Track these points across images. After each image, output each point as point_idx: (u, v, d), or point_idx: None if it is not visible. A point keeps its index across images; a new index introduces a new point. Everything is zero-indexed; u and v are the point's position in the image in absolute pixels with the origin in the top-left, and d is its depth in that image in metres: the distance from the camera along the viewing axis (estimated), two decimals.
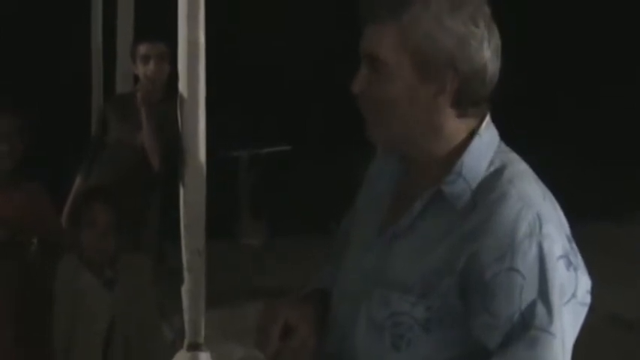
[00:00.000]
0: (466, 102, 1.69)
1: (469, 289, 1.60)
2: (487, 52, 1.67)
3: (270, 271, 7.29)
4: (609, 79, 10.82)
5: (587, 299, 1.67)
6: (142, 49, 4.41)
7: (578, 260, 1.65)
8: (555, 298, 1.57)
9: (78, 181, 4.53)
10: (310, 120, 9.52)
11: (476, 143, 1.69)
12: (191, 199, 4.13)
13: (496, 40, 1.70)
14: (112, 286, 3.40)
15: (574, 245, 1.65)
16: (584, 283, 1.65)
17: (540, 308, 1.56)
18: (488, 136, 1.72)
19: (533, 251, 1.57)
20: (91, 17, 6.84)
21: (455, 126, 1.70)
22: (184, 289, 4.29)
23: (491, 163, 1.69)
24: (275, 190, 8.43)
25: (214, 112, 4.30)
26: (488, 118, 1.74)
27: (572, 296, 1.62)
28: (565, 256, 1.60)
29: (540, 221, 1.59)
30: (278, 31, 9.42)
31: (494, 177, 1.66)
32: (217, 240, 4.65)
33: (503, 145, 1.75)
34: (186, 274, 4.25)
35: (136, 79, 4.64)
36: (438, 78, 1.65)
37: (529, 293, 1.57)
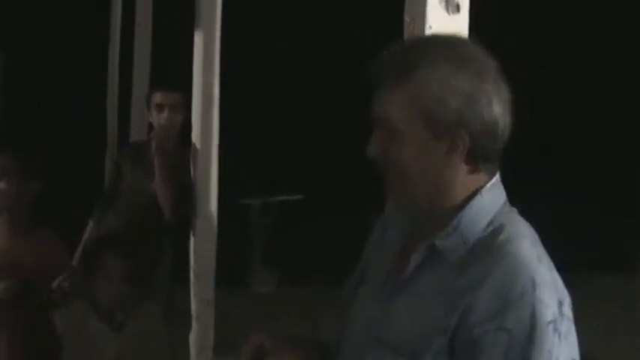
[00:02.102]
0: (478, 160, 1.69)
1: (458, 348, 1.60)
2: (497, 107, 1.67)
3: (279, 319, 7.27)
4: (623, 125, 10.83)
5: None
6: (157, 97, 4.46)
7: (565, 326, 1.62)
8: None
9: (90, 226, 4.56)
10: (322, 169, 9.57)
11: (477, 201, 1.70)
12: (202, 248, 4.17)
13: (505, 94, 1.70)
14: (120, 330, 3.40)
15: (564, 310, 1.63)
16: (568, 351, 1.62)
17: None
18: (491, 196, 1.72)
19: (525, 313, 1.57)
20: (108, 65, 6.97)
21: (465, 181, 1.70)
22: (192, 338, 4.30)
23: (491, 222, 1.69)
24: (286, 238, 8.44)
25: (227, 160, 4.35)
26: (495, 179, 1.74)
27: None
28: (553, 322, 1.59)
29: (534, 284, 1.59)
30: (293, 77, 9.50)
31: (492, 236, 1.66)
32: (228, 288, 4.65)
33: (507, 206, 1.75)
34: (194, 323, 4.27)
35: (150, 127, 4.68)
36: (450, 137, 1.66)
37: (515, 354, 1.56)
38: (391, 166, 1.71)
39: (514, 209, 1.76)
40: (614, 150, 10.59)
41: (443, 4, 2.47)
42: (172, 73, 4.76)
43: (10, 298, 3.40)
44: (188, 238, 4.28)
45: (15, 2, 8.51)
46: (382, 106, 1.70)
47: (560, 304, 1.62)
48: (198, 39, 4.23)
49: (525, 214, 1.75)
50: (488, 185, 1.72)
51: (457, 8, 2.49)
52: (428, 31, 2.41)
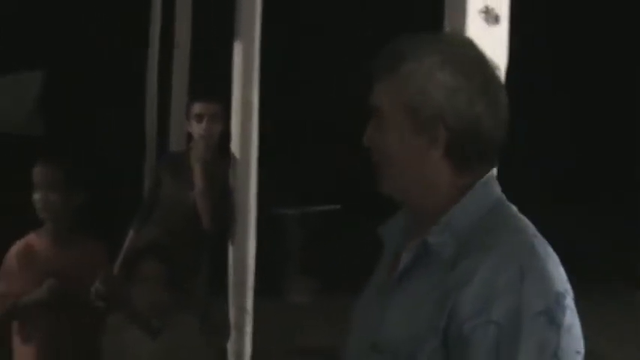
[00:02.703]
0: (459, 156, 1.70)
1: (450, 346, 1.61)
2: (479, 107, 1.68)
3: (315, 330, 7.27)
4: None
5: None
6: (197, 108, 4.49)
7: (566, 319, 1.61)
8: (528, 352, 1.56)
9: (130, 236, 4.60)
10: (360, 179, 9.54)
11: (468, 198, 1.71)
12: (240, 258, 4.18)
13: (496, 97, 1.71)
14: (156, 337, 3.43)
15: (566, 303, 1.62)
16: (571, 343, 1.62)
17: None
18: (483, 192, 1.72)
19: (512, 304, 1.57)
20: (147, 76, 7.04)
21: (450, 181, 1.71)
22: (230, 347, 4.32)
23: (482, 218, 1.69)
24: (324, 248, 8.44)
25: (265, 169, 4.37)
26: (488, 176, 1.75)
27: (553, 355, 1.58)
28: (546, 313, 1.58)
29: (522, 275, 1.59)
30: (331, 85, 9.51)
31: (482, 232, 1.67)
32: (264, 297, 4.66)
33: (502, 203, 1.75)
34: (232, 332, 4.28)
35: (189, 137, 4.72)
36: (429, 130, 1.69)
37: (505, 346, 1.56)
38: (379, 155, 1.75)
39: (512, 206, 1.76)
40: None
41: (482, 15, 2.47)
42: (211, 83, 4.78)
43: (53, 299, 3.45)
44: (227, 248, 4.31)
45: (56, 19, 8.64)
46: (374, 95, 1.75)
47: (559, 295, 1.62)
48: (237, 49, 4.25)
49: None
50: (479, 182, 1.73)
51: (497, 19, 2.49)
52: None
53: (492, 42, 2.42)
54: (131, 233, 4.62)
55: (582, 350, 1.65)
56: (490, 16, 2.49)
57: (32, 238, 3.66)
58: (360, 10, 9.90)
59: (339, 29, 9.69)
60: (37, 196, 3.55)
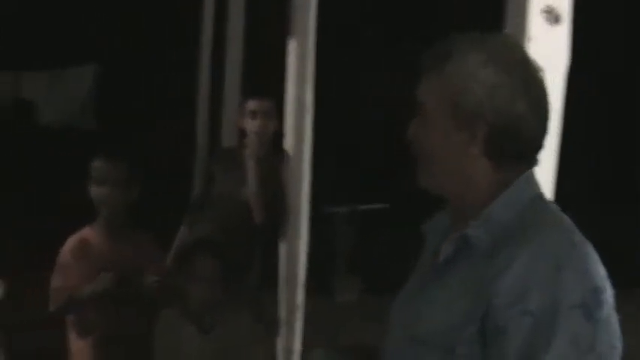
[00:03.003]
0: (499, 154, 1.73)
1: (487, 335, 1.62)
2: (520, 106, 1.70)
3: (361, 328, 7.26)
4: None
5: (613, 356, 1.64)
6: (251, 104, 4.51)
7: (603, 313, 1.61)
8: (562, 344, 1.57)
9: (182, 231, 4.64)
10: (408, 178, 9.50)
11: (507, 193, 1.73)
12: (292, 254, 4.20)
13: (537, 99, 1.73)
14: (208, 332, 3.46)
15: (603, 298, 1.62)
16: (607, 338, 1.62)
17: (544, 355, 1.56)
18: (523, 188, 1.75)
19: (548, 296, 1.58)
20: (199, 72, 7.08)
21: (489, 177, 1.74)
22: (280, 343, 4.33)
23: (521, 213, 1.72)
24: (371, 247, 8.43)
25: (314, 167, 4.38)
26: (528, 173, 1.77)
27: (589, 349, 1.59)
28: (583, 306, 1.59)
29: (559, 268, 1.60)
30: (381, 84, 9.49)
31: (520, 226, 1.69)
32: (311, 295, 4.67)
33: (542, 200, 1.78)
34: (282, 328, 4.30)
35: (241, 133, 4.74)
36: (469, 127, 1.72)
37: (540, 337, 1.57)
38: (420, 150, 1.79)
39: (552, 203, 1.80)
40: None
41: (544, 15, 2.46)
42: (265, 80, 4.80)
43: (109, 292, 3.49)
44: (278, 244, 4.32)
45: (111, 15, 8.73)
46: (420, 90, 1.79)
47: (596, 290, 1.62)
48: (292, 47, 4.26)
49: None
50: (519, 178, 1.75)
51: (558, 19, 2.47)
52: (527, 43, 2.40)
53: (553, 42, 2.42)
54: (183, 229, 4.66)
55: (619, 345, 1.66)
56: (552, 16, 2.48)
57: (86, 232, 3.71)
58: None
59: (400, 22, 9.67)
60: (95, 190, 3.60)
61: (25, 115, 9.58)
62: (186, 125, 7.16)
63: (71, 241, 3.69)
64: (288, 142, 4.23)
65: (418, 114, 1.80)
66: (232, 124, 5.54)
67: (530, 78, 1.74)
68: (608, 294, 1.64)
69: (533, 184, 1.78)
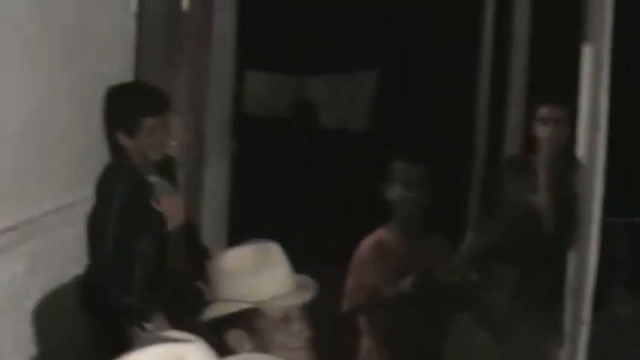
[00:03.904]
0: None
1: None
2: None
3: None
4: None
5: None
6: (543, 111, 4.43)
7: None
8: None
9: (469, 236, 4.64)
10: None
11: None
12: (581, 265, 4.08)
13: None
14: (504, 342, 3.43)
15: None
16: None
17: None
18: None
19: None
20: (478, 76, 7.02)
21: None
22: (562, 356, 4.22)
23: None
24: None
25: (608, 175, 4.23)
26: None
27: None
28: None
29: None
30: None
31: None
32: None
33: None
34: (566, 342, 4.18)
35: (530, 140, 4.67)
36: None
37: None
38: None
39: None
40: None
41: None
42: (558, 85, 4.70)
43: (416, 294, 3.54)
44: (566, 255, 4.22)
45: (388, 18, 8.87)
46: None
47: None
48: (586, 52, 4.15)
49: None
50: None
51: None
52: None
53: None
54: (470, 234, 4.66)
55: None
56: None
57: (382, 232, 3.79)
58: None
59: None
60: (394, 192, 3.68)
61: (307, 117, 9.96)
62: (464, 130, 7.14)
63: (368, 242, 3.78)
64: (581, 151, 4.12)
65: None
66: (516, 130, 5.47)
67: None
68: None
69: None
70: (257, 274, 2.24)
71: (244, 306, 2.23)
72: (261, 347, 2.26)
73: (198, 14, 4.81)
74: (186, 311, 3.36)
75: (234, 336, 2.26)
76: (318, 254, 6.21)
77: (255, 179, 6.96)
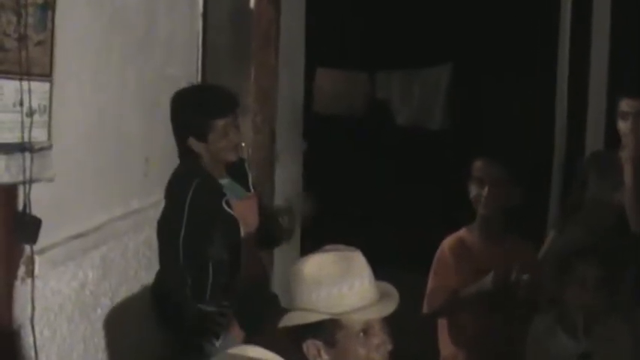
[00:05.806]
0: None
1: None
2: None
3: None
4: None
5: None
6: (623, 104, 4.26)
7: None
8: None
9: (552, 236, 4.48)
10: None
11: None
12: None
13: None
14: (583, 341, 3.28)
15: None
16: None
17: None
18: None
19: None
20: (556, 71, 6.83)
21: None
22: None
23: None
24: None
25: None
26: None
27: None
28: None
29: None
30: None
31: None
32: None
33: None
34: None
35: (612, 135, 4.50)
36: None
37: None
38: None
39: None
40: None
41: None
42: (637, 79, 4.52)
43: (497, 293, 3.44)
44: None
45: (465, 13, 8.73)
46: None
47: None
48: None
49: None
50: None
51: None
52: None
53: None
54: (552, 233, 4.50)
55: None
56: None
57: (464, 232, 3.70)
58: None
59: None
60: (477, 191, 3.57)
61: (380, 115, 9.84)
62: (543, 126, 6.95)
63: (448, 241, 3.70)
64: None
65: None
66: (597, 125, 5.30)
67: None
68: None
69: None
70: (339, 285, 2.16)
71: (324, 316, 2.15)
72: None
73: (266, 12, 4.74)
74: (260, 318, 3.29)
75: (311, 346, 2.20)
76: (395, 256, 6.12)
77: (326, 180, 6.86)
